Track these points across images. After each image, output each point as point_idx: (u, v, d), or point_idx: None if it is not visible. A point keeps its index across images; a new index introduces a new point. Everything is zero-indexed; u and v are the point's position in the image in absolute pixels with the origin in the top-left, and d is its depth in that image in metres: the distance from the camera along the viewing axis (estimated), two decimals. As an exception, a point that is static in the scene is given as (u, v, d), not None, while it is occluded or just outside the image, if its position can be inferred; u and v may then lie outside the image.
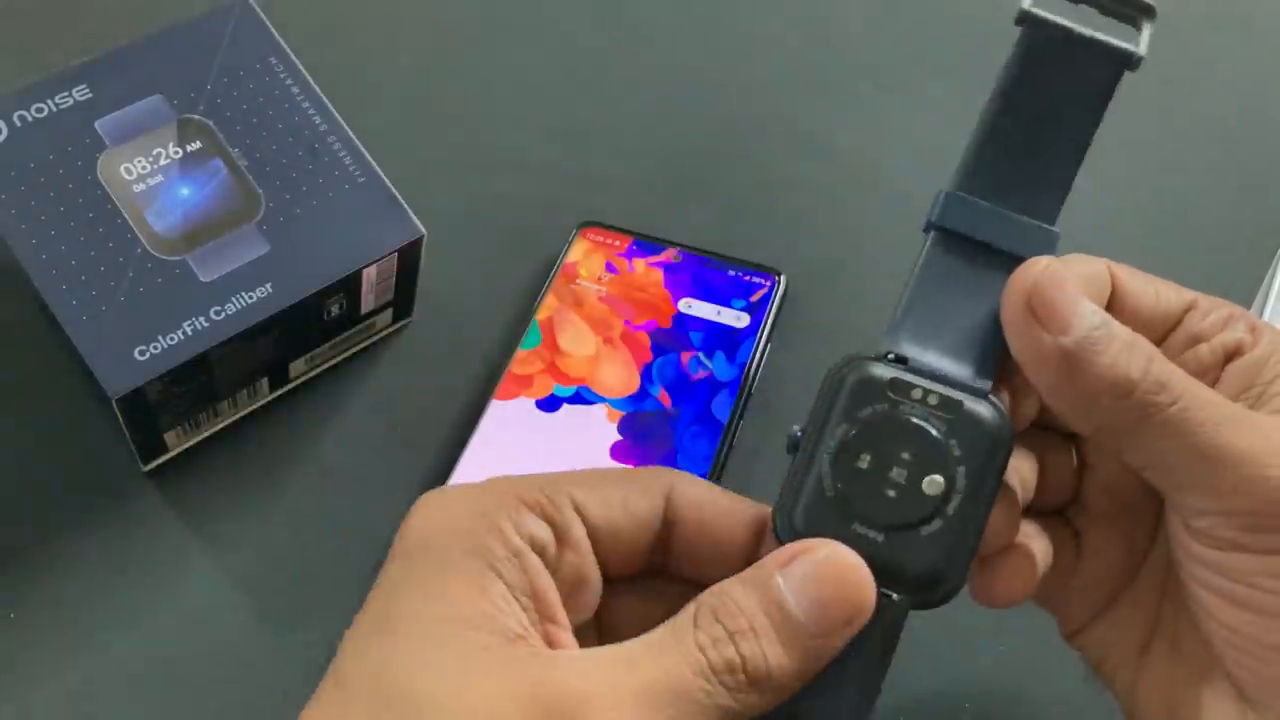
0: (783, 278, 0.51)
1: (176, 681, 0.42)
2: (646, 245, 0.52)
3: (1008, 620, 0.43)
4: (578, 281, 0.51)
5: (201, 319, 0.43)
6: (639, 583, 0.32)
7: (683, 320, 0.49)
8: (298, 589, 0.44)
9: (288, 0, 0.53)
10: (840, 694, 0.28)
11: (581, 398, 0.47)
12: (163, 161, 0.45)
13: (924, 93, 0.60)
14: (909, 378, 0.29)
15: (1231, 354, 0.32)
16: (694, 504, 0.31)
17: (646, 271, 0.51)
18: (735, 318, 0.50)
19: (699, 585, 0.29)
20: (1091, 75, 0.32)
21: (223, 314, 0.43)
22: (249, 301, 0.43)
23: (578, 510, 0.29)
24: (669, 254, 0.52)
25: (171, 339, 0.42)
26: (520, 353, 0.48)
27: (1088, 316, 0.29)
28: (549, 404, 0.47)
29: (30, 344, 0.47)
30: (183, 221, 0.44)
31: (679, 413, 0.47)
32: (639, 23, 0.61)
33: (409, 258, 0.47)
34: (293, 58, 0.48)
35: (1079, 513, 0.35)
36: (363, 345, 0.50)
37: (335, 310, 0.46)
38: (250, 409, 0.47)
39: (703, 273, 0.51)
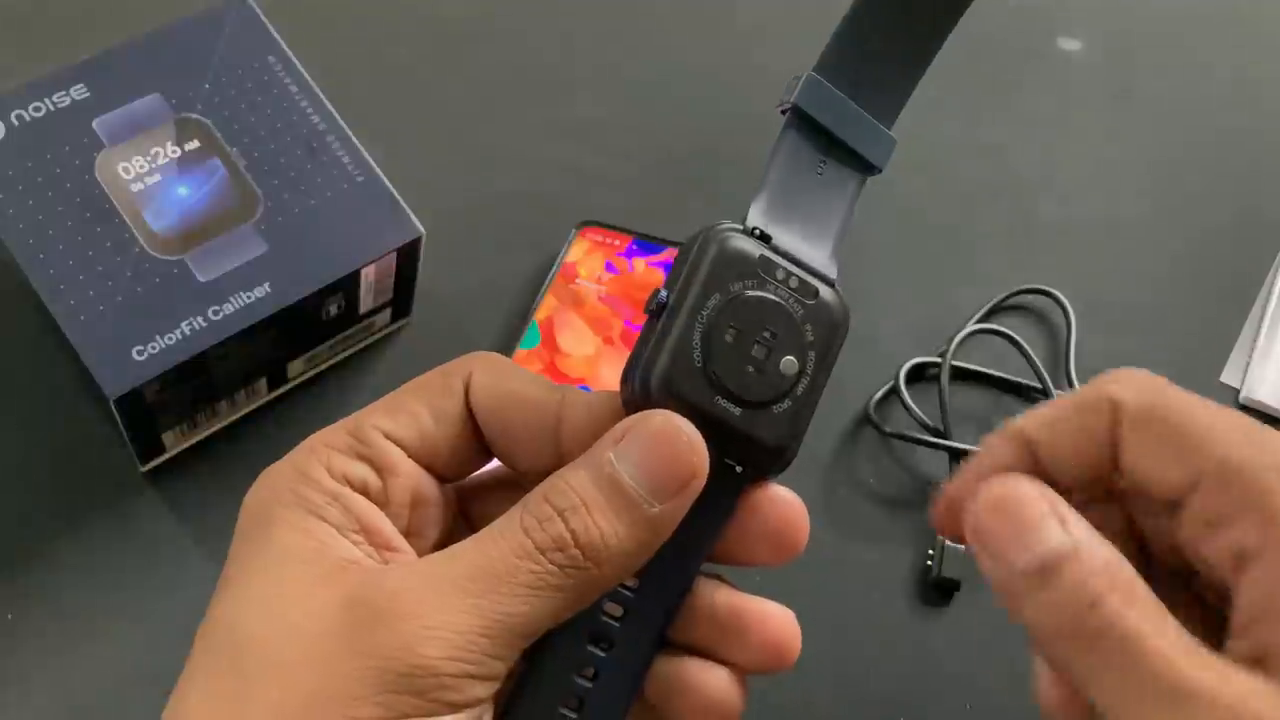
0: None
1: (175, 681, 0.42)
2: (646, 245, 0.52)
3: (1008, 620, 0.43)
4: (577, 281, 0.50)
5: (199, 319, 0.42)
6: (499, 476, 0.32)
7: (682, 320, 0.49)
8: (296, 589, 0.44)
9: (286, -1, 0.53)
10: (685, 562, 0.29)
11: (581, 398, 0.47)
12: (161, 161, 0.45)
13: (924, 92, 0.60)
14: (775, 258, 0.30)
15: (1241, 559, 0.25)
16: (492, 396, 0.30)
17: (646, 271, 0.51)
18: (735, 318, 0.50)
19: (532, 476, 0.29)
20: None
21: (221, 314, 0.43)
22: (247, 301, 0.43)
23: (389, 437, 0.29)
24: (669, 254, 0.51)
25: (169, 339, 0.42)
26: (519, 352, 0.48)
27: (1045, 532, 0.25)
28: (548, 404, 0.47)
29: (28, 344, 0.47)
30: (181, 221, 0.44)
31: (678, 413, 0.47)
32: (639, 23, 0.61)
33: (408, 257, 0.47)
34: (291, 57, 0.48)
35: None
36: (361, 345, 0.50)
37: (334, 310, 0.46)
38: (249, 409, 0.47)
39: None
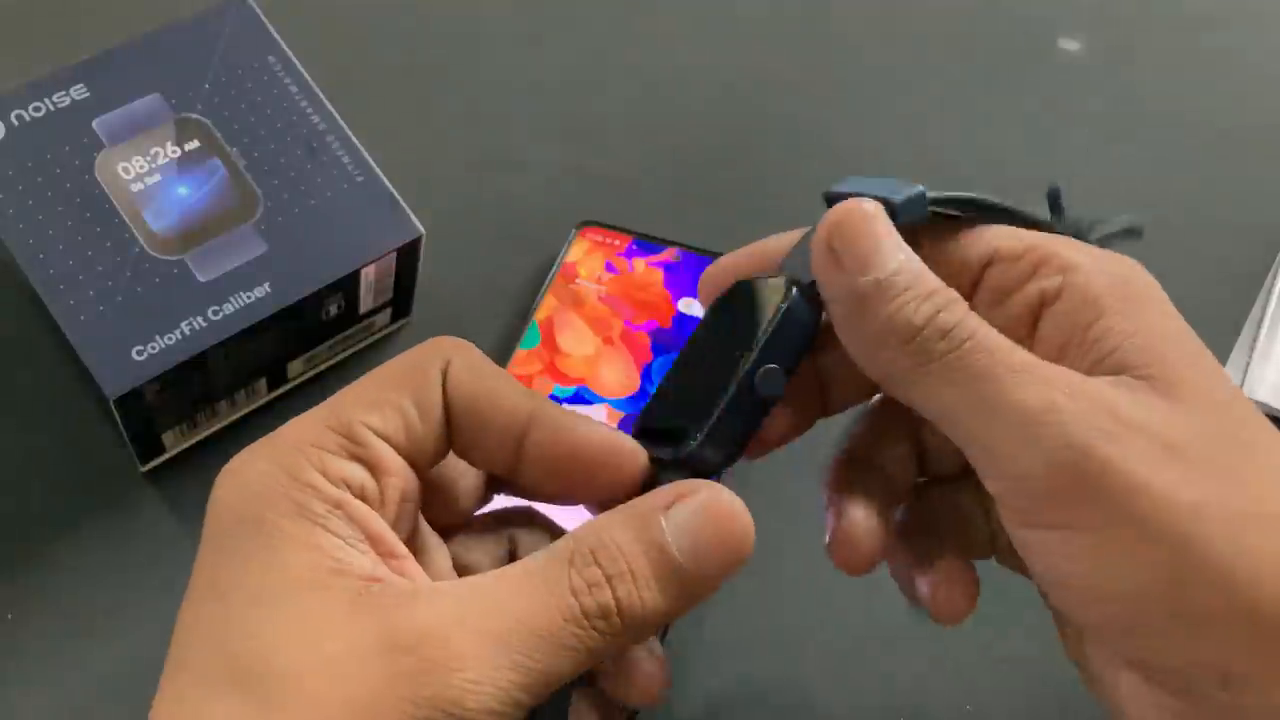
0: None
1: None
2: (646, 245, 0.52)
3: (1008, 620, 0.43)
4: (577, 281, 0.50)
5: (199, 319, 0.42)
6: (453, 477, 0.32)
7: (683, 320, 0.49)
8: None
9: (286, -1, 0.53)
10: None
11: (581, 398, 0.47)
12: (160, 161, 0.45)
13: (924, 92, 0.60)
14: None
15: (1037, 307, 0.29)
16: (468, 393, 0.29)
17: (646, 271, 0.51)
18: (735, 318, 0.50)
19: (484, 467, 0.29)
20: None
21: (220, 314, 0.43)
22: (247, 301, 0.43)
23: (378, 435, 0.28)
24: (669, 254, 0.51)
25: (169, 339, 0.42)
26: (519, 353, 0.48)
27: (888, 260, 0.28)
28: (548, 404, 0.47)
29: (28, 344, 0.47)
30: (180, 221, 0.44)
31: (678, 413, 0.47)
32: (639, 22, 0.61)
33: (408, 257, 0.47)
34: (291, 57, 0.48)
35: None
36: (361, 345, 0.50)
37: (333, 310, 0.46)
38: (248, 409, 0.47)
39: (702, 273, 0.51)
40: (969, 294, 0.30)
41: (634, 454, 0.30)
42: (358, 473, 0.28)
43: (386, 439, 0.28)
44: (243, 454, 0.28)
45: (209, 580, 0.27)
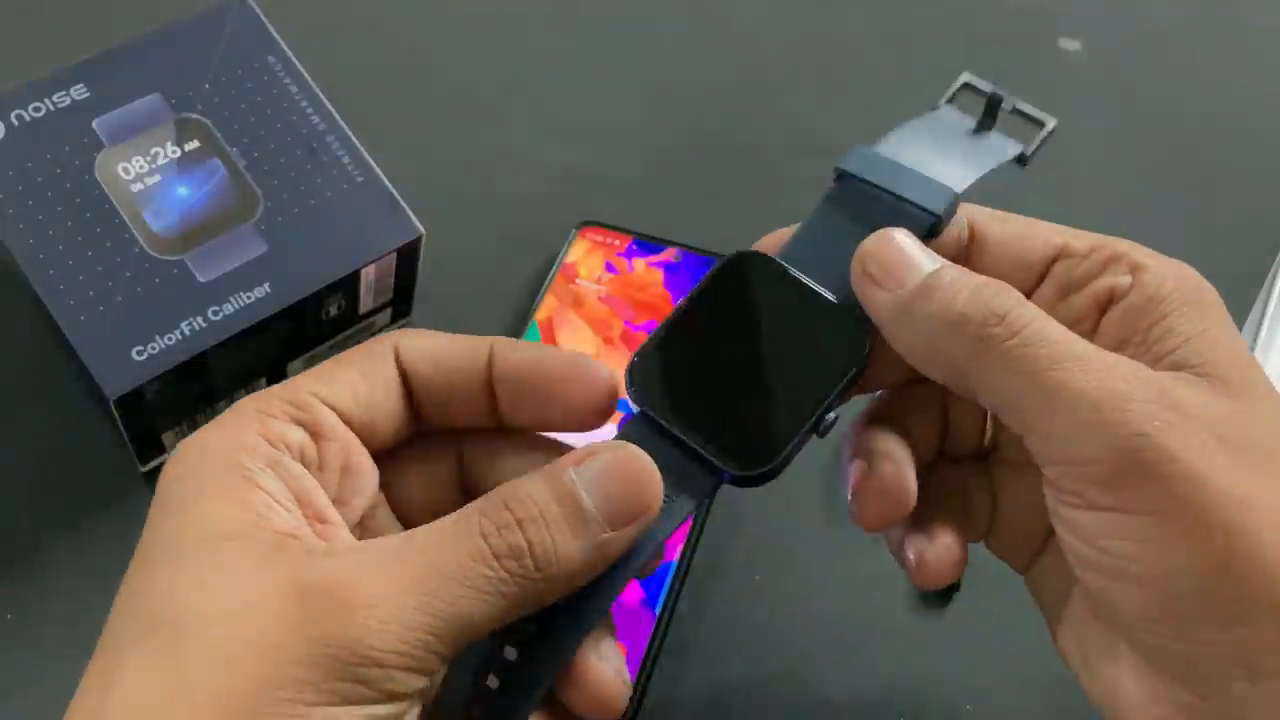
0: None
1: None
2: (646, 245, 0.52)
3: (1008, 620, 0.43)
4: (577, 281, 0.50)
5: (199, 319, 0.42)
6: (423, 456, 0.32)
7: (682, 320, 0.49)
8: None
9: (286, -1, 0.53)
10: (612, 589, 0.29)
11: (581, 398, 0.47)
12: (160, 161, 0.45)
13: (924, 92, 0.60)
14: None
15: (1105, 301, 0.31)
16: (423, 355, 0.31)
17: (646, 271, 0.51)
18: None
19: (464, 440, 0.30)
20: None
21: (221, 314, 0.43)
22: (247, 301, 0.43)
23: (324, 402, 0.29)
24: (669, 254, 0.51)
25: (169, 339, 0.42)
26: (519, 353, 0.48)
27: (920, 266, 0.30)
28: (548, 404, 0.47)
29: (28, 344, 0.47)
30: (180, 221, 0.44)
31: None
32: (639, 22, 0.61)
33: (408, 257, 0.47)
34: (291, 57, 0.48)
35: (996, 460, 0.36)
36: (361, 345, 0.50)
37: (334, 310, 0.46)
38: (249, 409, 0.47)
39: (703, 273, 0.51)
40: (1033, 287, 0.32)
41: (599, 369, 0.31)
42: (297, 435, 0.29)
43: (332, 406, 0.29)
44: (197, 430, 0.29)
45: (140, 545, 0.27)
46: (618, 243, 0.52)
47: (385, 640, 0.25)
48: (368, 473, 0.30)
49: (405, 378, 0.31)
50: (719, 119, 0.58)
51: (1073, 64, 0.62)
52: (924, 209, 0.32)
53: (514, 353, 0.31)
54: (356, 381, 0.30)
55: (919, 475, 0.34)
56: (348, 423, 0.30)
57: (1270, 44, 0.64)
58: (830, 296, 0.32)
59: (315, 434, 0.29)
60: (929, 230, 0.32)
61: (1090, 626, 0.31)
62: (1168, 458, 0.27)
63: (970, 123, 0.35)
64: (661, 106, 0.58)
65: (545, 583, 0.27)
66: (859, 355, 0.31)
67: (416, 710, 0.26)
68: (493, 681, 0.28)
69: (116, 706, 0.25)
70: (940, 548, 0.34)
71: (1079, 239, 0.32)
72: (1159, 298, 0.30)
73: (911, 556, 0.34)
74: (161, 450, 0.45)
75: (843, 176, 0.33)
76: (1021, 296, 0.29)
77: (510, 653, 0.28)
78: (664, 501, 0.28)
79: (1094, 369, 0.28)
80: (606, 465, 0.28)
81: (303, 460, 0.28)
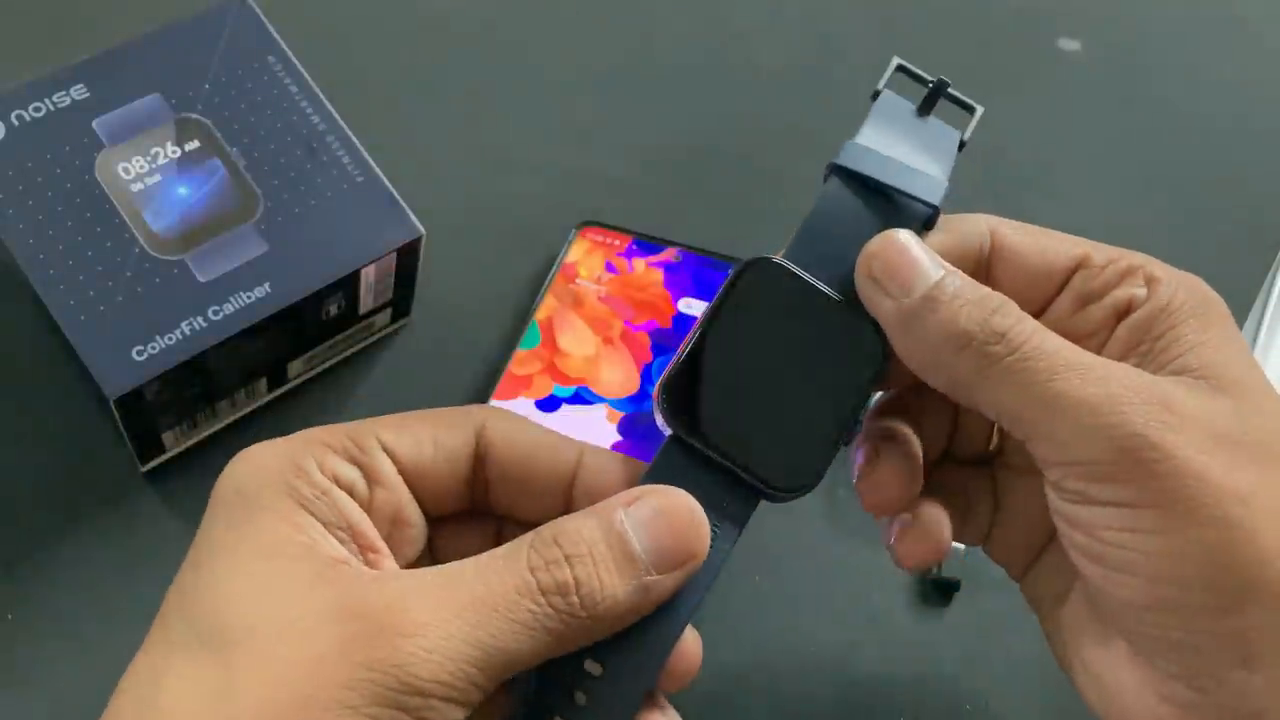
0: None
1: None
2: (646, 245, 0.52)
3: (1008, 620, 0.43)
4: (577, 281, 0.50)
5: (199, 319, 0.42)
6: (471, 522, 0.32)
7: (683, 320, 0.49)
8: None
9: (286, -1, 0.53)
10: (671, 627, 0.29)
11: (581, 398, 0.47)
12: (160, 161, 0.45)
13: (924, 92, 0.60)
14: None
15: (1123, 311, 0.31)
16: (507, 439, 0.31)
17: (646, 271, 0.51)
18: (735, 318, 0.50)
19: (526, 525, 0.29)
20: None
21: (221, 314, 0.43)
22: (247, 301, 0.43)
23: (386, 450, 0.30)
24: (669, 254, 0.51)
25: (169, 339, 0.42)
26: (519, 353, 0.48)
27: (925, 272, 0.30)
28: (549, 404, 0.47)
29: (28, 344, 0.47)
30: (180, 221, 0.44)
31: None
32: (639, 23, 0.61)
33: (408, 257, 0.47)
34: (291, 57, 0.48)
35: (1000, 465, 0.36)
36: (361, 345, 0.50)
37: (334, 310, 0.46)
38: (249, 409, 0.47)
39: (703, 273, 0.51)
40: (1052, 297, 0.32)
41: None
42: (350, 473, 0.29)
43: (393, 456, 0.30)
44: (257, 444, 0.29)
45: (199, 552, 0.28)
46: (618, 243, 0.52)
47: (429, 669, 0.25)
48: (417, 524, 0.30)
49: (481, 459, 0.31)
50: (719, 119, 0.58)
51: (1073, 64, 0.62)
52: (923, 201, 0.32)
53: (600, 475, 0.31)
54: (425, 441, 0.30)
55: (925, 473, 0.34)
56: (404, 475, 0.30)
57: (1269, 44, 0.64)
58: (841, 296, 0.32)
59: (369, 477, 0.29)
60: (926, 222, 0.32)
61: (1087, 629, 0.32)
62: (1164, 455, 0.27)
63: (910, 106, 0.36)
64: (661, 106, 0.58)
65: (591, 621, 0.27)
66: (878, 357, 0.31)
67: None
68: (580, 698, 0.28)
69: (161, 709, 0.25)
70: (926, 524, 0.34)
71: (1098, 251, 0.32)
72: (1169, 309, 0.31)
73: (895, 529, 0.34)
74: (161, 450, 0.45)
75: (838, 172, 0.33)
76: (1020, 311, 0.30)
77: (593, 667, 0.29)
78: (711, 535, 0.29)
79: (1092, 376, 0.28)
80: (657, 510, 0.28)
81: (353, 496, 0.29)
